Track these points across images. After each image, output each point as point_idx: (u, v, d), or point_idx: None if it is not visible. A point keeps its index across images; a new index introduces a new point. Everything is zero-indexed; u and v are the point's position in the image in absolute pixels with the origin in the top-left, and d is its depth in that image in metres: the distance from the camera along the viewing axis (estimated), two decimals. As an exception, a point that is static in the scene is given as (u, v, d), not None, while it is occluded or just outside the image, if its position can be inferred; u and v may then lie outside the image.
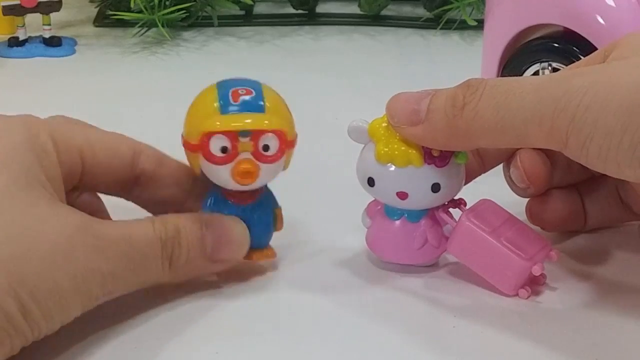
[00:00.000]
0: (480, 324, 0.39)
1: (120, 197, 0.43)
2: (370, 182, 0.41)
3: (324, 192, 0.50)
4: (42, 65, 0.71)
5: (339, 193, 0.48)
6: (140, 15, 0.73)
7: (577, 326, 0.39)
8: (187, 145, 0.40)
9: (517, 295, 0.41)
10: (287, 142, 0.40)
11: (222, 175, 0.40)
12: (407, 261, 0.43)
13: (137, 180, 0.42)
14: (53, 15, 0.72)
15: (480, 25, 0.68)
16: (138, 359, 0.37)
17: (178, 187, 0.43)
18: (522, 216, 0.45)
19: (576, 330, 0.39)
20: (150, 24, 0.74)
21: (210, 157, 0.40)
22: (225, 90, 0.40)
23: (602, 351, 0.38)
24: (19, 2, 0.70)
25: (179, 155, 0.43)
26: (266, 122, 0.40)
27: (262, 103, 0.40)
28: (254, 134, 0.39)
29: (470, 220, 0.41)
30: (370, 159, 0.41)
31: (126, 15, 0.73)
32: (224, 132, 0.39)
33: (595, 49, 0.47)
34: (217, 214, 0.41)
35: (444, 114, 0.39)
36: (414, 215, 0.42)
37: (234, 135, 0.39)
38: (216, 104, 0.40)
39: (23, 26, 0.72)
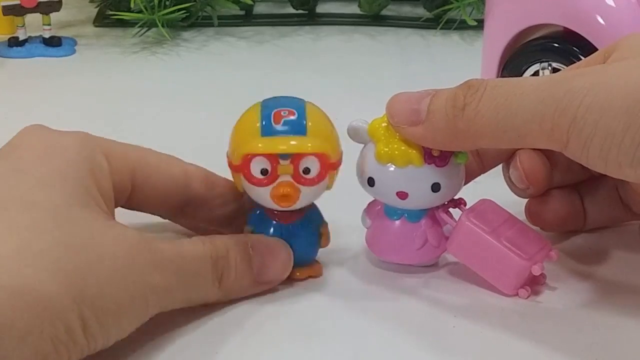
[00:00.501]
0: (480, 324, 0.39)
1: (167, 218, 0.44)
2: (370, 182, 0.41)
3: (324, 192, 0.50)
4: (42, 65, 0.71)
5: (339, 193, 0.48)
6: (140, 15, 0.73)
7: (577, 326, 0.39)
8: (230, 165, 0.40)
9: (517, 295, 0.41)
10: (329, 165, 0.40)
11: (263, 196, 0.40)
12: (407, 261, 0.43)
13: (188, 202, 0.42)
14: (53, 15, 0.72)
15: (480, 25, 0.68)
16: (136, 358, 0.37)
17: (228, 207, 0.43)
18: (522, 216, 0.44)
19: (576, 330, 0.39)
20: (150, 24, 0.74)
21: (250, 179, 0.40)
22: (268, 110, 0.40)
23: (602, 351, 0.38)
24: (19, 2, 0.70)
25: (181, 155, 0.43)
26: (309, 145, 0.39)
27: (304, 125, 0.40)
28: (295, 157, 0.39)
29: (470, 220, 0.41)
30: (370, 159, 0.41)
31: (126, 15, 0.73)
32: (264, 155, 0.39)
33: (595, 49, 0.47)
34: (262, 236, 0.41)
35: (445, 115, 0.39)
36: (414, 215, 0.42)
37: (274, 158, 0.39)
38: (258, 126, 0.39)
39: (23, 26, 0.72)
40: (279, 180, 0.40)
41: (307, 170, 0.40)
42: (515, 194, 0.45)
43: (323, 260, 0.44)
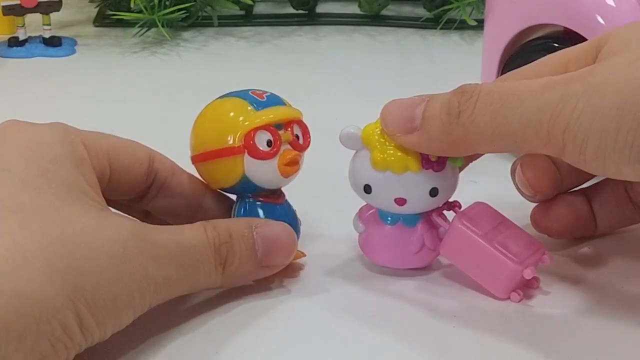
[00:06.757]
0: (480, 324, 0.39)
1: (131, 206, 0.43)
2: (367, 189, 0.41)
3: (322, 193, 0.50)
4: (42, 65, 0.71)
5: (337, 194, 0.48)
6: (140, 15, 0.73)
7: (577, 326, 0.39)
8: (224, 152, 0.40)
9: (509, 299, 0.41)
10: (307, 130, 0.42)
11: (269, 170, 0.41)
12: (404, 265, 0.42)
13: (151, 186, 0.42)
14: (53, 15, 0.72)
15: (480, 25, 0.69)
16: (137, 357, 0.37)
17: (187, 199, 0.43)
18: (526, 219, 0.44)
19: (576, 331, 0.39)
20: (150, 24, 0.74)
21: (258, 153, 0.40)
22: (243, 94, 0.41)
23: (602, 351, 0.38)
24: (19, 2, 0.70)
25: (181, 156, 0.43)
26: (297, 110, 0.42)
27: (280, 97, 0.42)
28: (287, 125, 0.41)
29: (463, 223, 0.41)
30: (365, 166, 0.40)
31: (126, 15, 0.73)
32: (265, 126, 0.40)
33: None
34: (266, 219, 0.41)
35: (440, 122, 0.38)
36: (410, 220, 0.42)
37: (274, 129, 0.40)
38: (246, 105, 0.41)
39: (23, 26, 0.72)
40: (282, 149, 0.41)
41: (297, 137, 0.41)
42: (526, 199, 0.44)
43: (323, 261, 0.44)
